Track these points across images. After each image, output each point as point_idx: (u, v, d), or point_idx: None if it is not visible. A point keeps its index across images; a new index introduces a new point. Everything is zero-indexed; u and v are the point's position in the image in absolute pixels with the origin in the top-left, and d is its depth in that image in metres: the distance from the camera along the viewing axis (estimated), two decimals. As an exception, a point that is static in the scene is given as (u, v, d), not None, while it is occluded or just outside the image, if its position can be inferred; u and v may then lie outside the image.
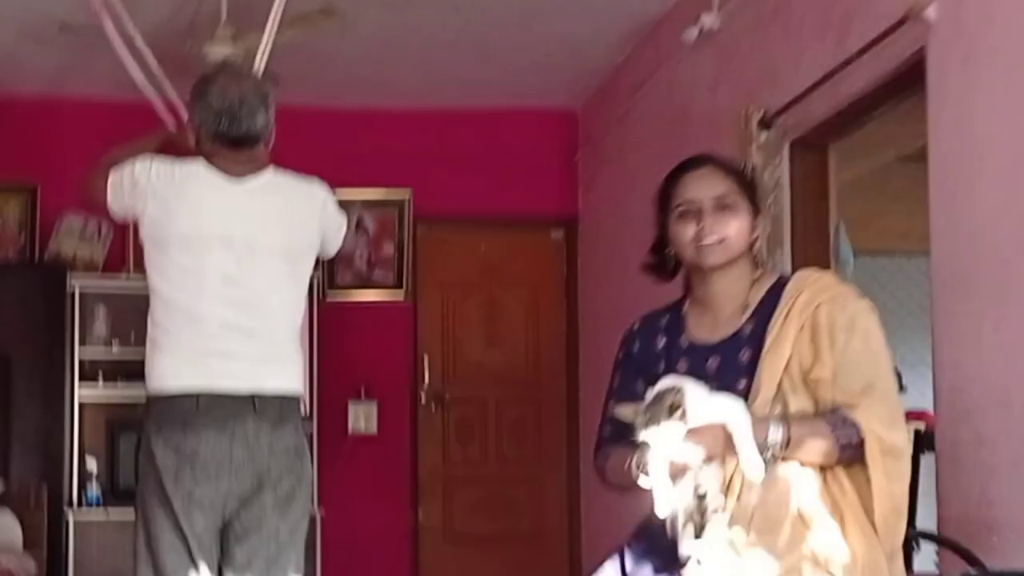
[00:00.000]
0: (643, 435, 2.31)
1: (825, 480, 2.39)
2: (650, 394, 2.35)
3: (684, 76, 5.35)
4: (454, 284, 7.18)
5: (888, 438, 2.35)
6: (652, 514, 2.44)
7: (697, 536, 2.33)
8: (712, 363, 2.50)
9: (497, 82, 6.58)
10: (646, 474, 2.33)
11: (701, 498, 2.34)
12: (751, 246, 2.56)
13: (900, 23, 3.43)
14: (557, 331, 7.21)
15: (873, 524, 2.36)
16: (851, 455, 2.37)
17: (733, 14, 4.77)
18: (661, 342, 2.61)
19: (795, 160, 4.30)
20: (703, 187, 2.55)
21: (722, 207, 2.52)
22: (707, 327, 2.55)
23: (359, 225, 6.93)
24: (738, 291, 2.54)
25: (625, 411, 2.40)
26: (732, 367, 2.47)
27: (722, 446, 2.32)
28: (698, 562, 2.32)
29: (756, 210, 2.57)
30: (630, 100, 6.09)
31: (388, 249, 7.04)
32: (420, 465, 7.08)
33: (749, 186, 2.59)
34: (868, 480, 2.35)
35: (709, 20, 4.84)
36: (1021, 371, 3.00)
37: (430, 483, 7.09)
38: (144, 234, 3.33)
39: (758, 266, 2.59)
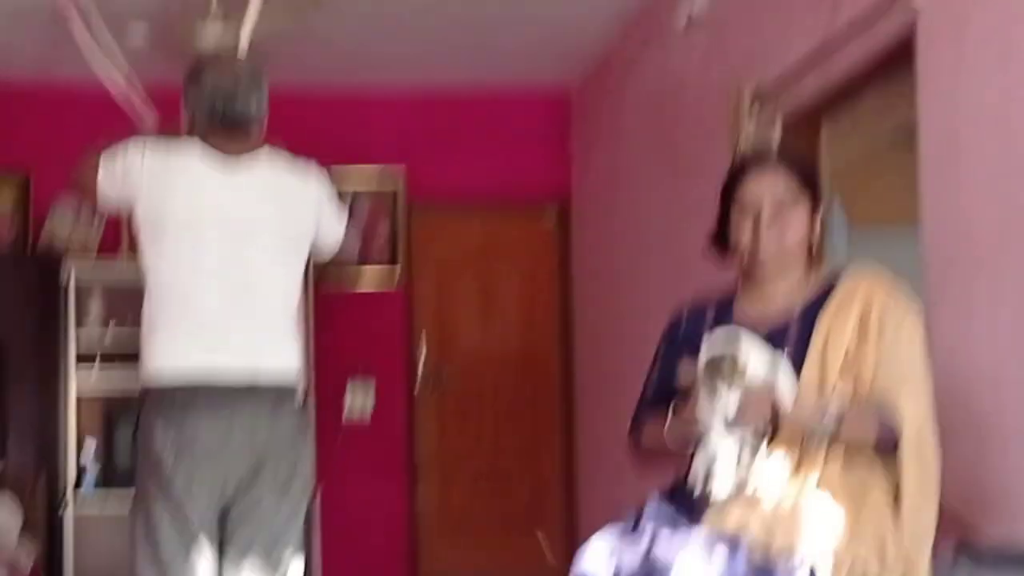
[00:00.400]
0: (708, 401, 2.42)
1: (849, 468, 2.47)
2: (707, 350, 2.44)
3: (676, 55, 5.34)
4: (448, 267, 7.17)
5: (921, 434, 2.46)
6: (673, 479, 2.56)
7: (738, 473, 2.44)
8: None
9: (489, 63, 6.56)
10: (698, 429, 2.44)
11: (757, 440, 2.44)
12: (809, 242, 2.64)
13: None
14: (552, 312, 7.20)
15: (897, 514, 2.45)
16: (883, 447, 2.47)
17: (724, -8, 4.77)
18: (710, 321, 2.68)
19: (787, 138, 4.29)
20: (763, 187, 2.61)
21: (781, 208, 2.59)
22: (758, 310, 2.63)
23: (352, 208, 6.91)
24: (793, 283, 2.63)
25: (687, 372, 2.48)
26: (778, 346, 2.54)
27: (769, 410, 2.42)
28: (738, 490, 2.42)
29: (817, 206, 2.64)
30: (623, 80, 6.08)
31: (382, 232, 7.03)
32: (417, 448, 7.09)
33: (811, 183, 2.65)
34: (889, 468, 2.46)
35: (699, -1, 4.85)
36: (1012, 349, 3.01)
37: (427, 466, 7.10)
38: (139, 219, 3.31)
39: (814, 259, 2.67)
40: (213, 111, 3.26)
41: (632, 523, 2.53)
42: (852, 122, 4.40)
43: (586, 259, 6.95)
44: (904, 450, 2.44)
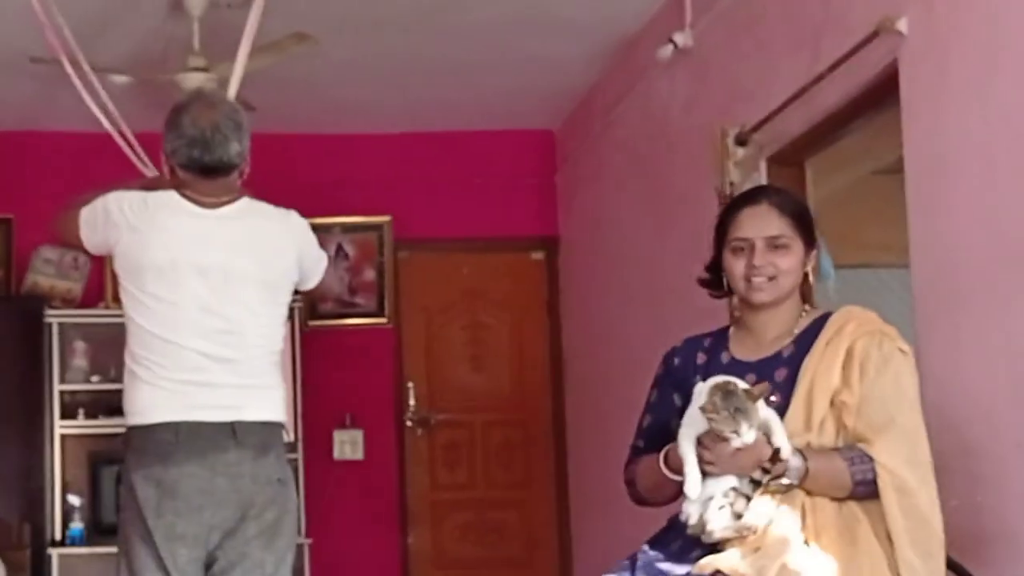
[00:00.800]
0: (726, 427, 2.39)
1: (840, 507, 2.45)
2: (706, 388, 2.43)
3: (659, 94, 5.36)
4: (436, 308, 7.17)
5: (900, 474, 2.42)
6: (668, 522, 2.56)
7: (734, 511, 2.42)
8: (749, 379, 2.55)
9: (473, 104, 6.58)
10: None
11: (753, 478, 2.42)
12: (803, 280, 2.63)
13: (872, 37, 3.44)
14: (541, 352, 7.20)
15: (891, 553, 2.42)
16: (865, 491, 2.44)
17: (706, 32, 4.80)
18: (702, 359, 2.68)
19: (772, 176, 4.30)
20: (757, 226, 2.60)
21: (774, 247, 2.58)
22: (749, 348, 2.63)
23: (339, 252, 6.93)
24: (784, 321, 2.62)
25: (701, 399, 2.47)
26: (768, 383, 2.53)
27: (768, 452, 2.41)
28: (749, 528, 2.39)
29: (810, 245, 2.63)
30: (606, 119, 6.10)
31: (369, 275, 7.03)
32: (408, 490, 7.05)
33: (805, 223, 2.64)
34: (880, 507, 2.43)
35: (682, 38, 4.87)
36: (1003, 380, 3.01)
37: (418, 508, 7.07)
38: (118, 266, 3.30)
39: (807, 299, 2.66)
40: (191, 158, 3.22)
41: (627, 573, 2.50)
42: (838, 159, 4.41)
43: (574, 297, 6.95)
44: (883, 501, 2.41)
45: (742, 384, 2.42)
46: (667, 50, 4.94)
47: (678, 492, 2.55)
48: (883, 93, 3.57)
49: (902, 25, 3.36)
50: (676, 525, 2.53)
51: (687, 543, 2.47)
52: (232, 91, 4.46)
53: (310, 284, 3.50)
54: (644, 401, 2.79)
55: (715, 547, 2.43)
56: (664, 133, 5.32)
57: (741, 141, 4.33)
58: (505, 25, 5.40)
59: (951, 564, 2.91)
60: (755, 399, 2.39)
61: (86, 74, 4.50)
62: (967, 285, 3.17)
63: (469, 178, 7.07)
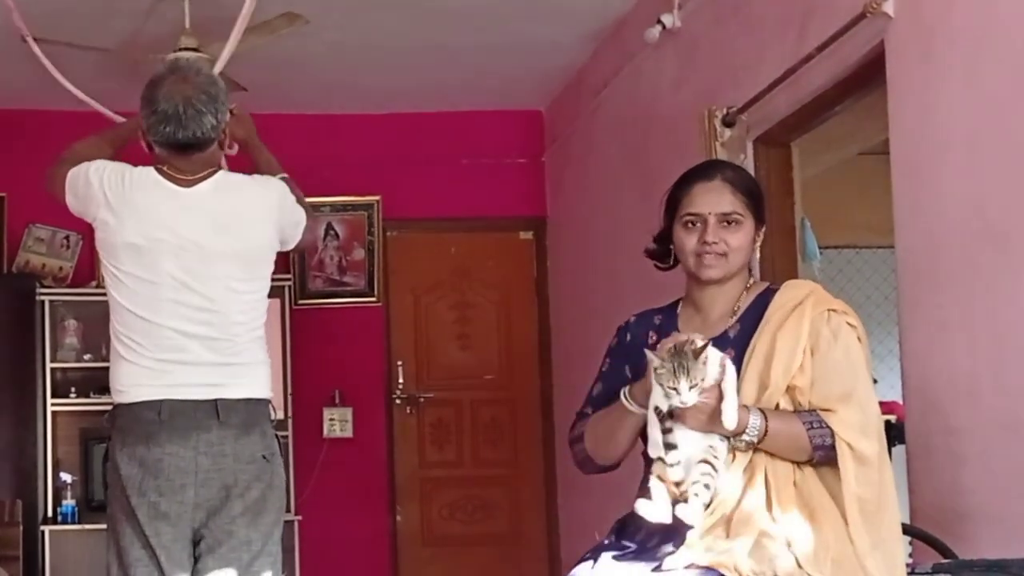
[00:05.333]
0: (669, 380, 2.37)
1: (796, 476, 2.45)
2: (664, 347, 2.40)
3: (647, 75, 5.38)
4: (425, 286, 7.20)
5: (858, 445, 2.41)
6: (630, 510, 2.52)
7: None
8: None
9: (463, 85, 6.59)
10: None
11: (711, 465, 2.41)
12: (750, 257, 2.62)
13: (859, 18, 3.47)
14: (529, 330, 7.23)
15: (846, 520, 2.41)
16: (823, 455, 2.44)
17: (694, 13, 4.81)
18: (652, 338, 2.66)
19: (759, 157, 4.33)
20: (711, 202, 2.59)
21: (726, 224, 2.57)
22: (697, 328, 2.60)
23: (329, 231, 6.96)
24: (730, 297, 2.62)
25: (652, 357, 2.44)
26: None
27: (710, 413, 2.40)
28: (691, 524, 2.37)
29: (760, 222, 2.63)
30: (595, 100, 6.12)
31: (358, 254, 7.06)
32: (396, 468, 7.09)
33: (756, 200, 2.63)
34: (839, 481, 2.41)
35: (670, 19, 4.89)
36: (987, 361, 3.03)
37: (407, 486, 7.11)
38: (97, 243, 3.29)
39: (751, 273, 2.66)
40: (164, 135, 3.17)
41: (592, 562, 2.50)
42: (824, 140, 4.44)
43: (562, 278, 6.97)
44: (841, 470, 2.41)
45: (700, 341, 2.40)
46: (655, 31, 4.96)
47: (630, 440, 2.57)
48: (870, 75, 3.60)
49: (888, 7, 3.38)
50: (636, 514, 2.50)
51: (649, 533, 2.47)
52: (217, 68, 4.46)
53: (290, 246, 3.46)
54: (596, 372, 2.77)
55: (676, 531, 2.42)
56: (652, 114, 5.33)
57: (728, 122, 4.35)
58: (494, 6, 5.40)
59: (927, 538, 2.96)
60: (697, 355, 2.37)
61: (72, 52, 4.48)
62: (951, 266, 3.19)
63: (458, 158, 7.09)
